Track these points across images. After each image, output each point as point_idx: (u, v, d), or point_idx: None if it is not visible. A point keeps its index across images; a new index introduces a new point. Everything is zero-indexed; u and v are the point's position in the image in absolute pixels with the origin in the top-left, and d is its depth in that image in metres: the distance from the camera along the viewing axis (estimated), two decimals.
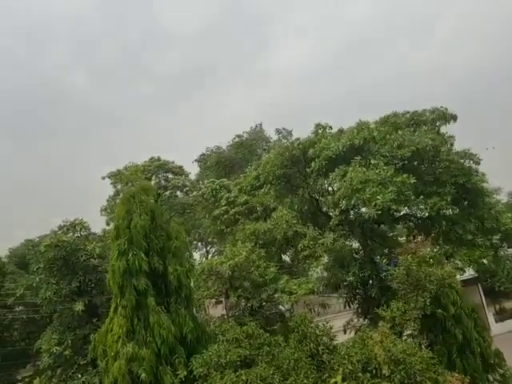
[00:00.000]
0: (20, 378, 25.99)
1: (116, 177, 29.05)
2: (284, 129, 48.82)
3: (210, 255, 36.63)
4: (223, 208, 24.61)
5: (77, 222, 13.59)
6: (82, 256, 12.77)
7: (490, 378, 13.17)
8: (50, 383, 11.96)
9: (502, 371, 13.41)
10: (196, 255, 36.52)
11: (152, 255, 11.08)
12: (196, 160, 42.00)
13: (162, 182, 30.54)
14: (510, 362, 13.59)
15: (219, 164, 42.81)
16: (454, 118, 18.24)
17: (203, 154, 42.60)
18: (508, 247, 18.57)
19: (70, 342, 12.09)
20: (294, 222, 15.23)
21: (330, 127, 18.88)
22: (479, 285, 27.00)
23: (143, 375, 9.49)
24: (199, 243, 38.04)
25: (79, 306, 12.02)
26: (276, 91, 77.46)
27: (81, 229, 13.58)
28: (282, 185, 17.68)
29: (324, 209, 17.66)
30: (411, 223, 18.40)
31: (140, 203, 11.38)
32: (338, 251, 15.10)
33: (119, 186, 29.72)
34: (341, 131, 18.72)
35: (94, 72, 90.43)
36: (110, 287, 10.70)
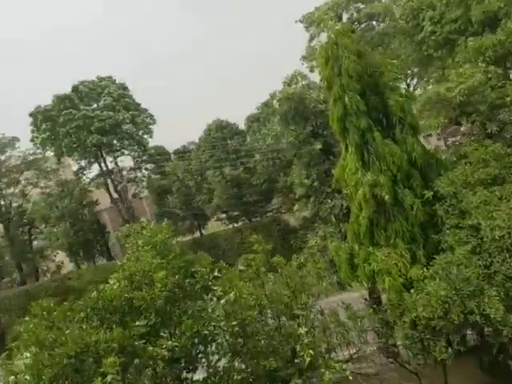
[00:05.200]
0: (269, 209, 33.11)
1: (309, 20, 28.80)
2: None
3: (411, 88, 34.43)
4: (429, 29, 22.04)
5: (296, 73, 14.85)
6: (309, 104, 14.22)
7: None
8: (306, 208, 15.12)
9: None
10: None
11: (368, 94, 11.64)
12: None
13: (354, 14, 28.76)
14: None
15: None
16: None
17: None
18: None
19: (315, 175, 14.48)
20: None
21: None
22: None
23: (386, 197, 10.92)
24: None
25: (318, 146, 13.95)
26: None
27: (302, 79, 14.83)
28: None
29: None
30: None
31: (344, 47, 11.63)
32: None
33: (312, 31, 29.50)
34: None
35: None
36: (334, 130, 12.10)
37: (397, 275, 10.68)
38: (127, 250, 10.05)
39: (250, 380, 9.42)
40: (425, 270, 10.66)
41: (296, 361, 9.80)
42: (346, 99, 11.27)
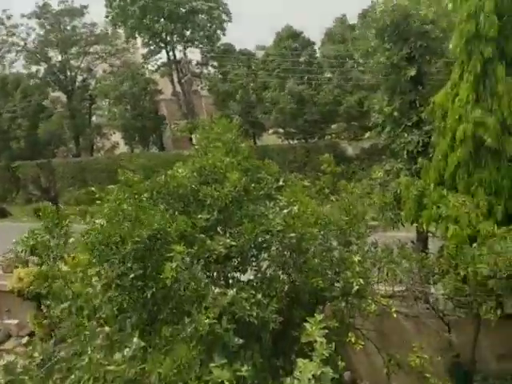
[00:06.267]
0: (328, 133, 32.18)
1: None
2: None
3: None
4: None
5: None
6: (414, 22, 12.53)
7: None
8: (379, 138, 14.17)
9: None
10: None
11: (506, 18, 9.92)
12: None
13: None
14: None
15: None
16: None
17: None
18: None
19: (397, 104, 13.27)
20: None
21: None
22: None
23: (489, 140, 9.81)
24: None
25: (412, 72, 12.53)
26: None
27: None
28: None
29: None
30: None
31: None
32: None
33: None
34: None
35: None
36: (454, 52, 10.62)
37: (465, 225, 10.05)
38: (195, 142, 9.86)
39: (292, 293, 9.57)
40: (497, 226, 9.96)
41: (338, 285, 9.79)
42: (481, 18, 9.66)
